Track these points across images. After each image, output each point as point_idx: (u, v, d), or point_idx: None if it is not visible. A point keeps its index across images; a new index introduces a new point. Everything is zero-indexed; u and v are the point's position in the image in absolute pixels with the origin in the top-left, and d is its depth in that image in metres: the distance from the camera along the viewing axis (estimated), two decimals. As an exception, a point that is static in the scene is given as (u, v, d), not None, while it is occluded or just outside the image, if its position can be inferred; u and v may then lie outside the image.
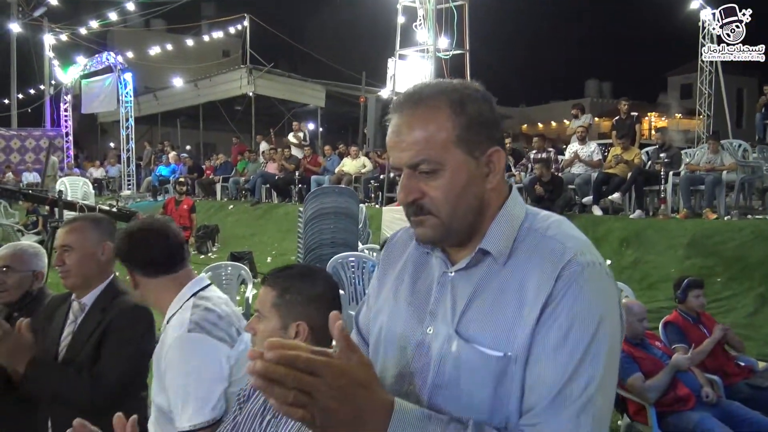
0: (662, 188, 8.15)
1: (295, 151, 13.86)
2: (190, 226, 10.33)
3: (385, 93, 19.49)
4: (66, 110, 18.71)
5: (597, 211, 8.60)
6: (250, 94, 19.00)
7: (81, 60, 18.61)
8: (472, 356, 0.98)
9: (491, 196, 1.06)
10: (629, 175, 8.41)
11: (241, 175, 14.46)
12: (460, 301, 1.03)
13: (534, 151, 9.49)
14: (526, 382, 0.95)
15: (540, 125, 32.21)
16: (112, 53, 17.69)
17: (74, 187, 10.07)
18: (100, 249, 2.13)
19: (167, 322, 1.79)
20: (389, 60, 8.74)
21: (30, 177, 16.41)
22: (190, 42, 21.16)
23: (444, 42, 8.29)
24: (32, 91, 21.40)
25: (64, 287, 2.14)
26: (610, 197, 8.54)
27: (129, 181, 16.80)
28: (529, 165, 9.25)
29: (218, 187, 15.01)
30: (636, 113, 10.29)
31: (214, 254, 10.47)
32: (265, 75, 19.08)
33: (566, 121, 27.94)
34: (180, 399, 1.64)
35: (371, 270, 5.69)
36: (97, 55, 18.30)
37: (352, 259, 5.69)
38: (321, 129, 22.84)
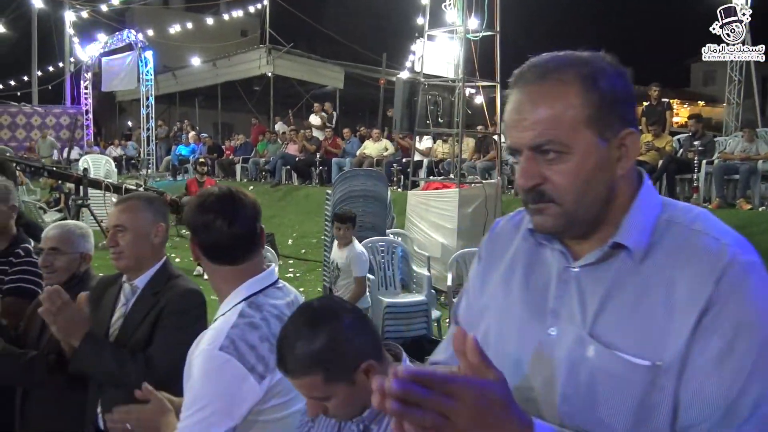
0: (695, 177, 7.96)
1: (317, 133, 13.76)
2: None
3: (404, 75, 19.31)
4: (86, 88, 18.70)
5: (626, 199, 8.43)
6: (269, 74, 18.87)
7: (101, 37, 18.54)
8: (613, 364, 0.87)
9: (621, 184, 0.94)
10: (660, 163, 8.23)
11: (261, 156, 14.40)
12: (591, 300, 0.92)
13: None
14: (682, 396, 0.84)
15: (559, 111, 31.72)
16: (132, 31, 17.59)
17: (97, 165, 10.04)
18: (153, 230, 2.04)
19: (215, 319, 1.63)
20: (417, 41, 8.56)
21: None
22: (209, 21, 21.03)
23: (474, 23, 8.10)
24: (51, 69, 21.41)
25: (116, 269, 2.06)
26: (640, 185, 8.36)
27: (149, 160, 16.80)
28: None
29: (238, 167, 14.96)
30: (666, 99, 10.05)
31: (235, 235, 10.46)
32: (284, 55, 18.90)
33: (586, 107, 27.58)
34: (188, 406, 1.50)
35: (400, 255, 5.62)
36: (117, 33, 18.22)
37: (382, 243, 5.61)
38: (338, 111, 22.69)
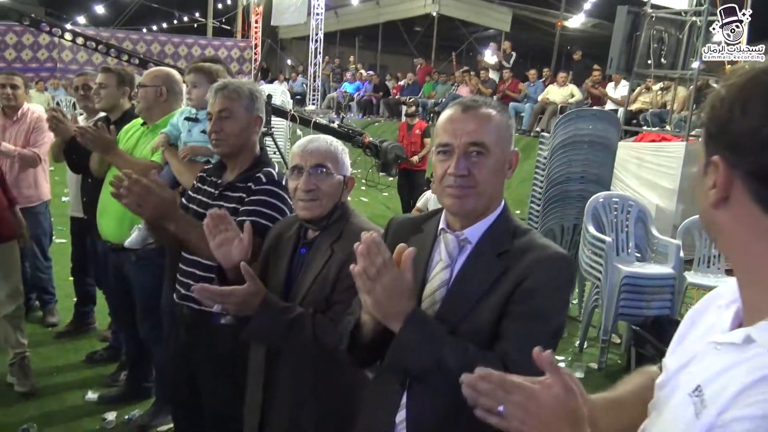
0: None
1: (492, 74, 12.75)
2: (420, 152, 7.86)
3: (581, 18, 17.54)
4: (257, 22, 18.91)
5: None
6: (434, 14, 18.02)
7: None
8: None
9: None
10: None
11: (429, 98, 13.68)
12: None
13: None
14: None
15: None
16: (305, -36, 17.38)
17: (273, 94, 9.84)
18: (510, 160, 1.41)
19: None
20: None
21: (220, 86, 16.87)
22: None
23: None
24: (220, 6, 21.98)
25: (460, 210, 1.38)
26: None
27: (314, 96, 16.74)
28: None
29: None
30: None
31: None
32: (450, -6, 17.99)
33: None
34: None
35: (637, 216, 4.65)
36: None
37: (616, 200, 4.68)
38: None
